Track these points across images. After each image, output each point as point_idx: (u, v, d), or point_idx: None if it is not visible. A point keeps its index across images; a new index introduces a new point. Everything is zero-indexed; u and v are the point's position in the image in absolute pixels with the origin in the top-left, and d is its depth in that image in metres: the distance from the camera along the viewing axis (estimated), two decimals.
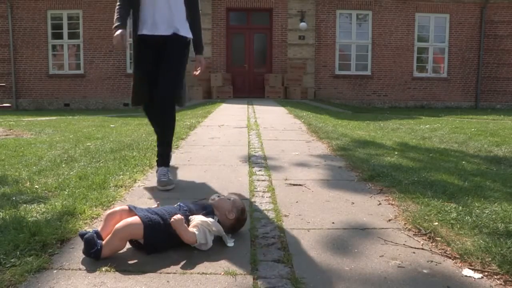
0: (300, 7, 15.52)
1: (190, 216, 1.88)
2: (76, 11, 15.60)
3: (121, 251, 1.77)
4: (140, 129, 6.40)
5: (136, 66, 3.11)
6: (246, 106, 10.74)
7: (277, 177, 3.18)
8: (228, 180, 3.12)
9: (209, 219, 1.87)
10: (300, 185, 2.97)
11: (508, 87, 16.59)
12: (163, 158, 3.04)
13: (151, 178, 3.09)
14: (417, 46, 16.28)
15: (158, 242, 1.78)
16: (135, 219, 1.77)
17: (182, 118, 7.37)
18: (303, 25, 15.39)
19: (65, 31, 15.71)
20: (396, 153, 4.34)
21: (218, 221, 1.91)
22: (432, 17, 16.22)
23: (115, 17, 2.97)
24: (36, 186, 2.83)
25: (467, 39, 16.22)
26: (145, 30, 3.02)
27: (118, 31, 2.88)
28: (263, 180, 3.10)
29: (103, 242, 1.72)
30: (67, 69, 15.94)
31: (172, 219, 1.80)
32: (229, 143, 4.82)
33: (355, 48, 16.10)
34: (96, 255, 1.69)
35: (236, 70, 15.76)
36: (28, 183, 2.95)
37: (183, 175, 3.29)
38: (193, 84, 14.47)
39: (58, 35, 15.77)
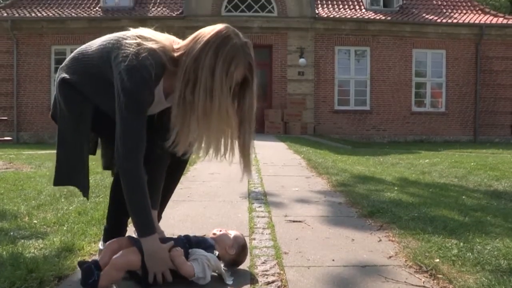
0: (299, 43, 15.82)
1: (190, 250, 1.87)
2: (79, 46, 15.81)
3: (119, 281, 1.75)
4: None
5: None
6: None
7: (277, 214, 3.17)
8: (228, 216, 3.11)
9: (209, 254, 1.86)
10: (300, 221, 2.95)
11: (505, 121, 16.73)
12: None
13: None
14: (415, 81, 16.51)
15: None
16: (133, 249, 1.76)
17: None
18: (302, 61, 15.64)
19: None
20: (396, 188, 4.34)
21: (218, 256, 1.89)
22: (428, 52, 16.52)
23: (139, 205, 1.79)
24: (35, 221, 2.82)
25: (464, 74, 16.46)
26: None
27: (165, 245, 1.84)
28: (263, 217, 3.08)
29: (102, 272, 1.71)
30: None
31: (171, 251, 1.78)
32: (229, 178, 4.82)
33: (353, 83, 16.32)
34: (93, 286, 1.67)
35: None
36: (27, 217, 2.93)
37: (183, 211, 3.28)
38: None
39: None
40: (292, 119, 15.38)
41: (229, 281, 1.85)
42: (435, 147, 12.60)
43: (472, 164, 7.01)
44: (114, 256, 1.73)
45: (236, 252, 1.96)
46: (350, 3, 17.25)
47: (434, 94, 16.77)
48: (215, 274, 1.86)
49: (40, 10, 16.29)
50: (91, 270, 1.69)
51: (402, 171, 6.28)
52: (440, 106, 16.70)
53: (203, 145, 1.82)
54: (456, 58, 16.45)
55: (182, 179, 4.72)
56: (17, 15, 15.84)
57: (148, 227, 1.76)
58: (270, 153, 7.94)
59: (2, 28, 15.70)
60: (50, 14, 15.93)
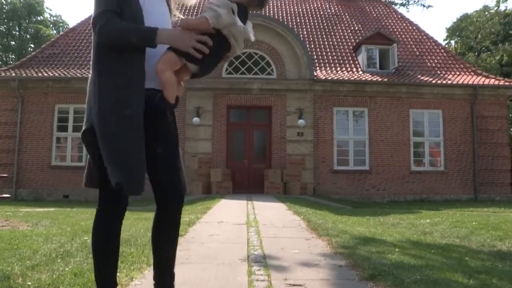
0: (298, 105, 16.13)
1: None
2: (82, 105, 16.00)
3: None
4: (138, 224, 6.34)
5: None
6: (245, 202, 10.72)
7: (276, 277, 3.11)
8: (227, 279, 3.05)
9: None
10: (300, 285, 2.90)
11: (505, 179, 16.71)
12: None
13: (148, 277, 3.01)
14: (413, 140, 16.66)
15: None
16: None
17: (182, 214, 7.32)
18: (301, 122, 15.87)
19: (70, 124, 16.25)
20: (397, 249, 4.28)
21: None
22: (425, 112, 16.78)
23: (128, 28, 1.87)
24: (29, 283, 2.76)
25: (461, 133, 16.65)
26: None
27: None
28: (262, 280, 3.03)
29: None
30: (69, 160, 16.21)
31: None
32: (228, 240, 4.76)
33: (352, 143, 16.46)
34: None
35: (236, 165, 15.97)
36: (20, 279, 2.87)
37: (181, 274, 3.22)
38: (193, 179, 14.60)
39: (63, 128, 16.31)
40: (292, 179, 15.37)
41: (252, 37, 1.93)
42: (436, 206, 12.52)
43: (474, 223, 6.94)
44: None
45: None
46: (347, 65, 17.77)
47: (432, 153, 16.87)
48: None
49: (47, 70, 16.75)
50: None
51: (403, 231, 6.22)
52: (439, 165, 16.75)
53: None
54: (453, 117, 16.71)
55: (181, 240, 4.68)
56: (24, 75, 16.26)
57: (148, 29, 1.86)
58: (270, 214, 7.88)
59: (10, 87, 16.10)
60: (56, 74, 16.34)
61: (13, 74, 16.27)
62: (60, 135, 16.30)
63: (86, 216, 8.13)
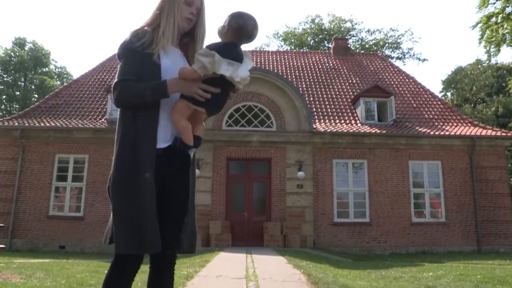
0: (297, 157, 16.22)
1: None
2: (82, 155, 16.34)
3: None
4: (135, 277, 6.22)
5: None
6: (244, 255, 10.57)
7: None
8: None
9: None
10: None
11: (508, 230, 16.48)
12: None
13: None
14: (413, 192, 16.61)
15: None
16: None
17: (179, 267, 7.22)
18: (301, 174, 15.89)
19: (69, 174, 16.29)
20: None
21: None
22: (424, 163, 16.83)
23: (142, 87, 2.00)
24: None
25: (461, 184, 16.63)
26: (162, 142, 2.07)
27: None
28: None
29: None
30: (67, 211, 16.10)
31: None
32: None
33: (352, 195, 16.40)
34: None
35: (235, 218, 15.84)
36: None
37: None
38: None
39: (62, 178, 16.32)
40: (292, 232, 15.20)
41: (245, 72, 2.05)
42: (438, 259, 12.31)
43: (479, 276, 6.81)
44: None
45: (228, 23, 2.08)
46: (346, 118, 18.02)
47: (433, 204, 16.77)
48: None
49: (49, 120, 16.98)
50: None
51: (405, 285, 6.10)
52: (440, 216, 16.61)
53: None
54: (452, 168, 16.74)
55: None
56: (27, 124, 16.46)
57: (158, 83, 2.01)
58: (270, 267, 7.76)
59: (11, 136, 16.25)
60: (58, 124, 16.53)
61: (16, 124, 16.48)
62: (59, 184, 16.27)
63: (82, 268, 7.98)
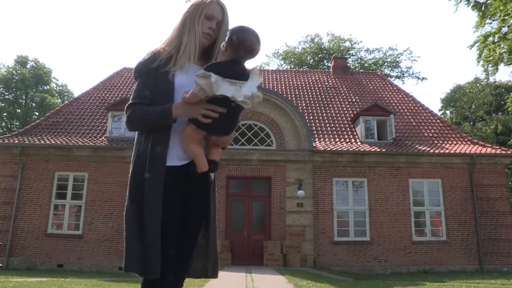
0: (297, 175, 16.21)
1: None
2: (82, 173, 16.31)
3: None
4: None
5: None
6: (244, 274, 10.51)
7: None
8: None
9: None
10: None
11: (511, 249, 16.34)
12: None
13: None
14: (413, 210, 16.54)
15: None
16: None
17: None
18: (301, 193, 15.86)
19: (69, 192, 16.24)
20: None
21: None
22: (425, 182, 16.80)
23: (147, 113, 2.00)
24: None
25: (461, 202, 16.57)
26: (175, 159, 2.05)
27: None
28: None
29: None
30: (66, 229, 16.00)
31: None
32: None
33: (352, 214, 16.34)
34: None
35: (235, 236, 15.76)
36: None
37: None
38: None
39: (61, 195, 16.26)
40: (292, 251, 15.10)
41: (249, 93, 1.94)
42: (440, 278, 12.20)
43: None
44: None
45: (228, 40, 1.99)
46: (346, 136, 18.05)
47: (434, 222, 16.69)
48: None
49: (49, 138, 16.98)
50: None
51: None
52: (441, 234, 16.52)
53: None
54: (452, 186, 16.71)
55: None
56: (27, 142, 16.46)
57: (163, 108, 1.97)
58: (270, 287, 7.70)
59: (12, 153, 16.23)
60: (58, 142, 16.54)
61: (16, 141, 16.49)
62: (58, 202, 16.22)
63: (80, 287, 7.92)
